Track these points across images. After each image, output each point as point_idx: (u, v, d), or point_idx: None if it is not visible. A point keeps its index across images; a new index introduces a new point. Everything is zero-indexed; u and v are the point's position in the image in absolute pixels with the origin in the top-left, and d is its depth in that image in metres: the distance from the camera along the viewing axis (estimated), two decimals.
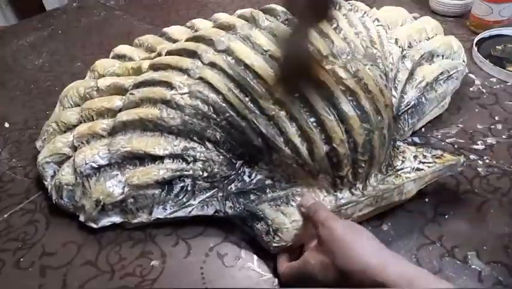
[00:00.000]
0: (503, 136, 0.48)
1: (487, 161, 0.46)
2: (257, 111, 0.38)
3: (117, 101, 0.45)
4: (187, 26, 0.58)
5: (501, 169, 0.44)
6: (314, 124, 0.36)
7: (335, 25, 0.42)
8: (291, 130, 0.36)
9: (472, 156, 0.46)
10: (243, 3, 0.81)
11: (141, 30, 0.76)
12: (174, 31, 0.57)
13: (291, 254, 0.36)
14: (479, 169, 0.45)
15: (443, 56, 0.51)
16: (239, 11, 0.52)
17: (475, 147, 0.47)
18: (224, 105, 0.39)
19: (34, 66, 0.70)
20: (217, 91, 0.39)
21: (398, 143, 0.42)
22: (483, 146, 0.47)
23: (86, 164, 0.40)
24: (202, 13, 0.80)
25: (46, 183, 0.44)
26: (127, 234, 0.41)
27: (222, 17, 0.54)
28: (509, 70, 0.57)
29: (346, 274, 0.29)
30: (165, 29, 0.58)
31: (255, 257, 0.38)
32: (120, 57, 0.55)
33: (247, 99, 0.38)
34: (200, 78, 0.40)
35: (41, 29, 0.80)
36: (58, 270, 0.39)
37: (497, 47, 0.62)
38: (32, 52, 0.74)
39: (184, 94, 0.40)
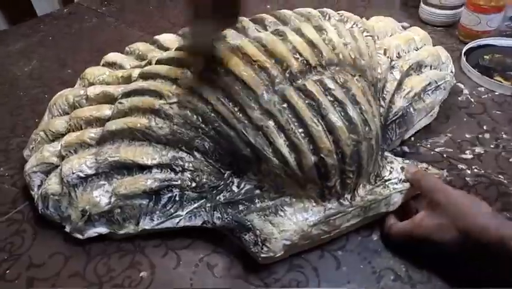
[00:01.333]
0: (491, 146, 0.49)
1: (475, 170, 0.46)
2: (245, 121, 0.38)
3: (106, 110, 0.44)
4: (179, 34, 0.58)
5: (489, 178, 0.45)
6: (302, 134, 0.36)
7: (324, 36, 0.43)
8: (279, 140, 0.37)
9: (460, 166, 0.47)
10: None
11: (132, 37, 0.75)
12: (165, 38, 0.57)
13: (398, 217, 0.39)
14: (468, 178, 0.45)
15: (431, 66, 0.51)
16: None
17: (463, 156, 0.48)
18: (212, 114, 0.39)
19: (24, 73, 0.69)
20: (205, 101, 0.39)
21: (386, 154, 0.43)
22: (472, 155, 0.48)
23: (73, 173, 0.39)
24: None
25: (32, 193, 0.43)
26: (115, 245, 0.41)
27: None
28: (496, 80, 0.58)
29: (464, 233, 0.32)
30: (157, 37, 0.58)
31: (245, 267, 0.38)
32: (111, 65, 0.55)
33: (235, 109, 0.38)
34: (190, 88, 0.40)
35: (32, 35, 0.80)
36: (45, 282, 0.38)
37: (485, 56, 0.63)
38: (22, 58, 0.73)
39: (173, 103, 0.40)
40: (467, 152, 0.48)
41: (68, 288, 0.37)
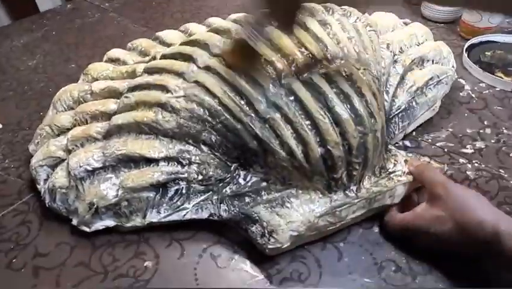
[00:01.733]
0: (492, 141, 0.49)
1: (476, 164, 0.46)
2: (252, 114, 0.38)
3: (111, 104, 0.45)
4: (181, 30, 0.58)
5: (489, 173, 0.45)
6: (309, 127, 0.37)
7: (328, 30, 0.43)
8: (287, 133, 0.37)
9: (461, 160, 0.47)
10: (236, 8, 0.82)
11: (135, 32, 0.76)
12: (167, 34, 0.57)
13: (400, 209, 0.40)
14: (468, 172, 0.46)
15: (433, 61, 0.52)
16: (232, 16, 0.52)
17: (464, 150, 0.48)
18: (219, 108, 0.39)
19: (28, 67, 0.69)
20: (212, 95, 0.39)
21: (390, 146, 0.43)
22: (473, 150, 0.48)
23: (80, 166, 0.40)
24: (197, 17, 0.80)
25: (39, 187, 0.43)
26: (120, 235, 0.41)
27: (216, 21, 0.55)
28: (497, 76, 0.58)
29: (461, 227, 0.33)
30: (159, 33, 0.58)
31: (248, 258, 0.38)
32: (114, 61, 0.55)
33: (242, 102, 0.38)
34: (196, 82, 0.41)
35: (35, 30, 0.80)
36: (51, 271, 0.38)
37: (486, 53, 0.63)
38: (26, 53, 0.73)
39: (180, 97, 0.40)
40: (468, 146, 0.49)
41: (74, 277, 0.38)
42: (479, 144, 0.49)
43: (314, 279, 0.37)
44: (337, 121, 0.37)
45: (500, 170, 0.46)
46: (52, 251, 0.40)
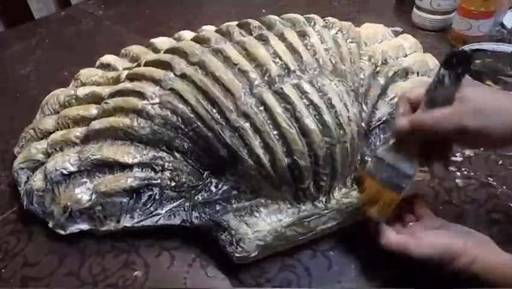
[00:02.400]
0: (481, 149, 0.49)
1: (465, 172, 0.46)
2: (223, 122, 0.38)
3: (93, 110, 0.46)
4: (174, 38, 0.59)
5: (478, 180, 0.45)
6: (277, 136, 0.37)
7: (306, 41, 0.43)
8: (255, 142, 0.37)
9: (450, 168, 0.47)
10: (231, 16, 0.83)
11: (129, 40, 0.76)
12: (160, 41, 0.58)
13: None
14: (457, 180, 0.46)
15: (417, 73, 0.51)
16: (227, 24, 0.53)
17: (454, 158, 0.48)
18: (192, 115, 0.39)
19: (21, 75, 0.70)
20: (186, 102, 0.40)
21: (367, 158, 0.43)
22: (462, 158, 0.48)
23: (56, 170, 0.40)
24: (191, 25, 0.80)
25: (19, 189, 0.44)
26: (110, 245, 0.41)
27: (210, 29, 0.55)
28: (487, 84, 0.58)
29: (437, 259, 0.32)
30: (153, 40, 0.59)
31: (238, 267, 0.38)
32: (105, 66, 0.56)
33: (214, 110, 0.39)
34: (171, 89, 0.41)
35: (29, 38, 0.80)
36: (40, 281, 0.39)
37: (476, 61, 0.63)
38: (20, 61, 0.74)
39: (155, 104, 0.41)
40: (457, 154, 0.49)
41: (63, 288, 0.38)
42: (468, 152, 0.49)
43: (303, 288, 0.37)
44: (304, 131, 0.37)
45: (489, 178, 0.45)
46: (41, 261, 0.40)
